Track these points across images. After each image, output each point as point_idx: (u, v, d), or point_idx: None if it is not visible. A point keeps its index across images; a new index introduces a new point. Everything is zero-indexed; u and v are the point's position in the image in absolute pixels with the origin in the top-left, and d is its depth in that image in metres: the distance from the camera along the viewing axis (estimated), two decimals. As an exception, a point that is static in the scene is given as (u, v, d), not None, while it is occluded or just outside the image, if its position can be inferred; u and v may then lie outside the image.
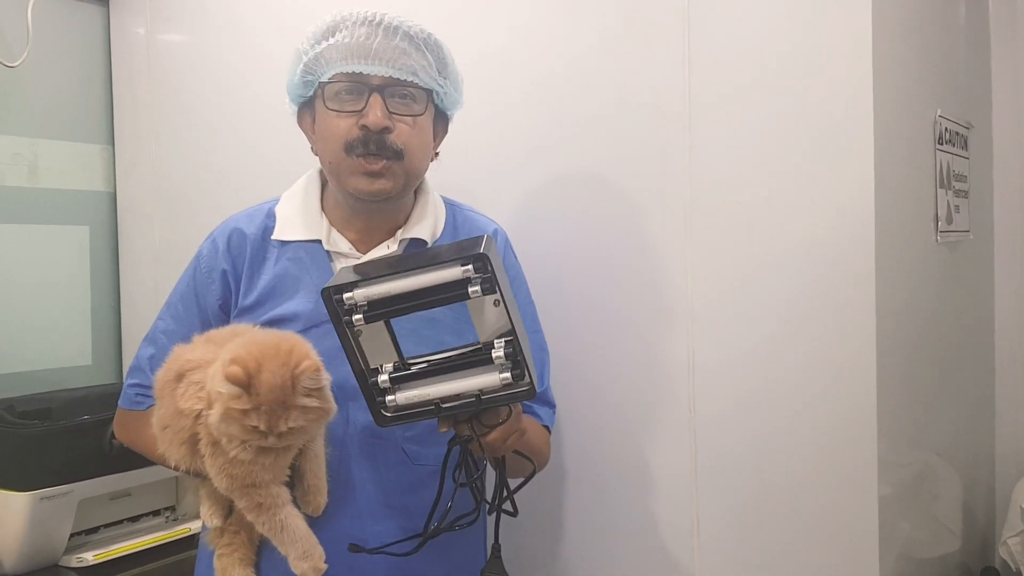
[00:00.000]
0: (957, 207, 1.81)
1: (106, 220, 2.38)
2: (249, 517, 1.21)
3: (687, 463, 1.54)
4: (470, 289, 1.09)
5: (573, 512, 1.67)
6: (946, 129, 1.74)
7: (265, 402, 1.10)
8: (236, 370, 1.09)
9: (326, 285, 1.13)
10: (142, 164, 2.33)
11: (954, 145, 1.80)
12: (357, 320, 1.13)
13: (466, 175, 1.71)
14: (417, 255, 1.23)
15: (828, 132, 1.40)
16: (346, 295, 1.12)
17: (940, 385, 1.79)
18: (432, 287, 1.11)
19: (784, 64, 1.43)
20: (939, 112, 1.71)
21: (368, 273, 1.14)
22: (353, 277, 1.14)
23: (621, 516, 1.61)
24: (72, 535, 1.81)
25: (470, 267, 1.09)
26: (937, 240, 1.71)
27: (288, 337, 1.17)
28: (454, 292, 1.11)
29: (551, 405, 1.46)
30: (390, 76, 1.27)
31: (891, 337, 1.44)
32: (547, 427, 1.44)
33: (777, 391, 1.46)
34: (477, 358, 1.14)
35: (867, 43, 1.37)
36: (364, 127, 1.26)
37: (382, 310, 1.13)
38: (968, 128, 1.90)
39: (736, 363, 1.49)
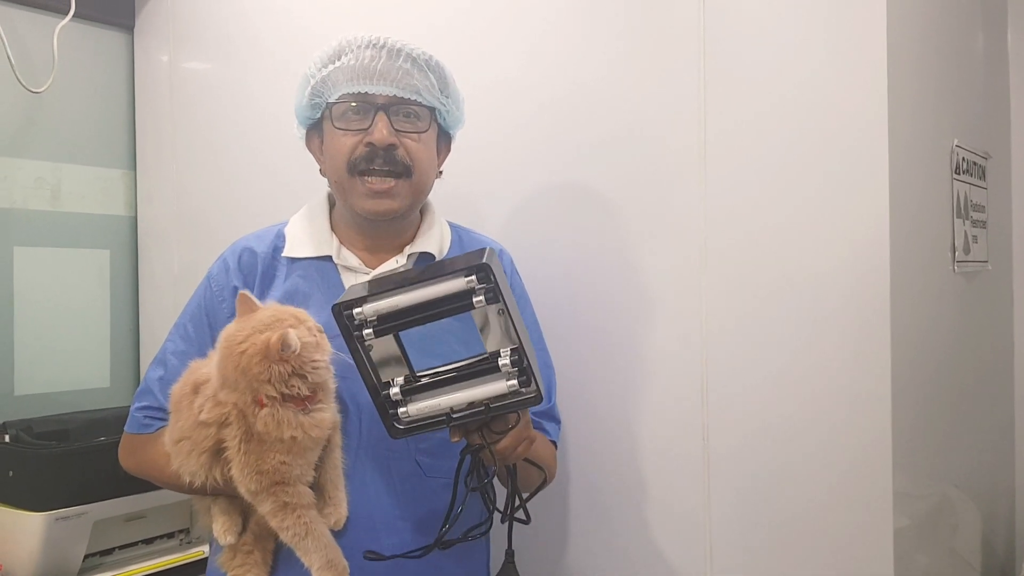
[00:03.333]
0: (975, 237, 1.81)
1: (127, 244, 2.41)
2: (273, 523, 1.21)
3: (701, 493, 1.53)
4: (474, 299, 1.13)
5: (580, 542, 1.66)
6: (963, 159, 1.74)
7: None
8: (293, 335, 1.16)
9: (336, 301, 1.16)
10: (163, 189, 2.36)
11: (972, 175, 1.79)
12: (367, 335, 1.16)
13: (477, 198, 1.72)
14: (422, 269, 1.28)
15: (843, 161, 1.40)
16: (356, 310, 1.16)
17: (958, 417, 1.77)
18: (438, 299, 1.15)
19: (799, 93, 1.43)
20: (956, 142, 1.70)
21: (376, 288, 1.17)
22: (362, 293, 1.17)
23: (632, 547, 1.60)
24: (87, 556, 1.82)
25: (473, 278, 1.13)
26: (954, 270, 1.70)
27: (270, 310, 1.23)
28: (459, 303, 1.14)
29: (557, 421, 1.49)
30: (394, 95, 1.32)
31: (907, 368, 1.43)
32: (554, 442, 1.46)
33: (792, 422, 1.45)
34: (485, 367, 1.17)
35: (882, 73, 1.37)
36: (370, 144, 1.31)
37: (391, 324, 1.16)
38: (986, 158, 1.89)
39: (750, 393, 1.48)
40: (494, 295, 1.13)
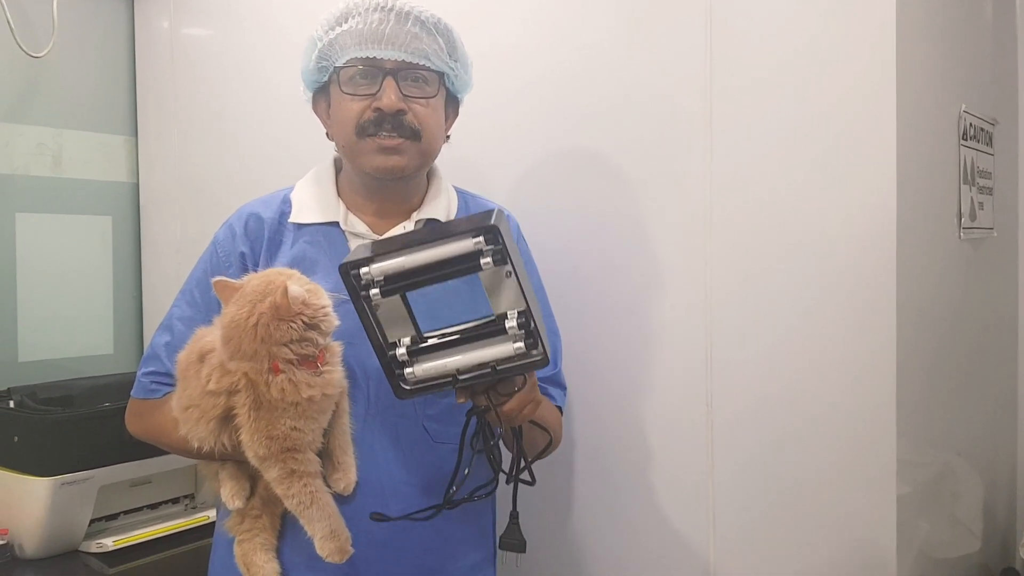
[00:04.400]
0: (981, 204, 1.79)
1: (129, 211, 2.41)
2: (279, 490, 1.21)
3: (704, 461, 1.53)
4: (482, 261, 1.12)
5: (585, 508, 1.67)
6: (971, 125, 1.72)
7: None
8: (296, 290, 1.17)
9: (344, 260, 1.16)
10: (165, 155, 2.35)
11: (979, 141, 1.78)
12: (374, 295, 1.16)
13: (482, 167, 1.71)
14: (430, 229, 1.27)
15: (851, 127, 1.39)
16: (363, 270, 1.15)
17: (961, 384, 1.77)
18: (446, 260, 1.14)
19: (807, 58, 1.42)
20: (964, 107, 1.69)
21: (383, 248, 1.17)
22: (369, 253, 1.17)
23: (636, 516, 1.61)
24: (92, 521, 1.83)
25: (481, 239, 1.12)
26: (960, 237, 1.69)
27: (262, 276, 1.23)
28: (467, 264, 1.14)
29: (563, 387, 1.49)
30: (403, 60, 1.30)
31: (912, 335, 1.43)
32: (559, 408, 1.47)
33: (796, 389, 1.45)
34: (491, 329, 1.16)
35: (891, 36, 1.35)
36: (378, 109, 1.30)
37: (398, 284, 1.16)
38: (993, 124, 1.87)
39: (754, 361, 1.48)
40: (502, 257, 1.12)
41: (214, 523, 1.45)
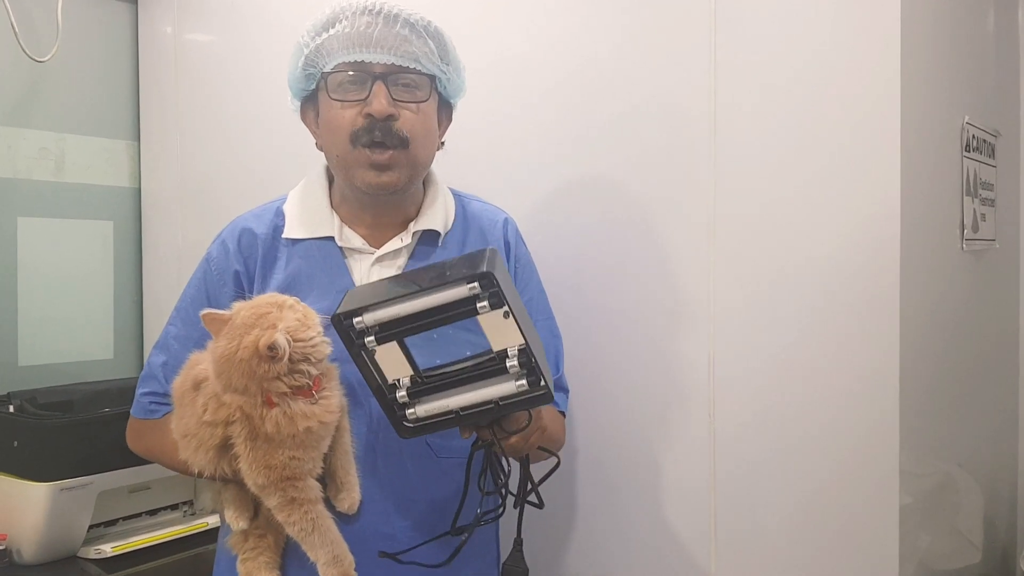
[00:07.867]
0: (983, 215, 1.80)
1: (130, 216, 2.41)
2: (279, 517, 1.20)
3: (706, 471, 1.53)
4: (478, 305, 1.11)
5: (587, 516, 1.66)
6: (973, 136, 1.73)
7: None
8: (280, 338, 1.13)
9: (336, 311, 1.14)
10: (167, 161, 2.35)
11: (981, 153, 1.78)
12: (370, 342, 1.14)
13: (485, 176, 1.71)
14: (424, 273, 1.24)
15: (855, 137, 1.39)
16: (356, 320, 1.14)
17: (963, 396, 1.77)
18: (440, 306, 1.13)
19: (811, 68, 1.42)
20: (966, 119, 1.69)
21: (377, 296, 1.15)
22: (362, 301, 1.15)
23: (637, 525, 1.60)
24: (91, 527, 1.82)
25: (476, 284, 1.11)
26: (963, 248, 1.69)
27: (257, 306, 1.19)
28: (463, 309, 1.12)
29: (565, 391, 1.47)
30: (392, 63, 1.27)
31: (915, 346, 1.43)
32: (562, 412, 1.45)
33: (799, 399, 1.45)
34: (492, 367, 1.15)
35: (895, 48, 1.35)
36: (369, 115, 1.27)
37: (393, 331, 1.14)
38: (995, 136, 1.88)
39: (758, 371, 1.48)
40: (498, 300, 1.11)
41: (213, 530, 1.44)
